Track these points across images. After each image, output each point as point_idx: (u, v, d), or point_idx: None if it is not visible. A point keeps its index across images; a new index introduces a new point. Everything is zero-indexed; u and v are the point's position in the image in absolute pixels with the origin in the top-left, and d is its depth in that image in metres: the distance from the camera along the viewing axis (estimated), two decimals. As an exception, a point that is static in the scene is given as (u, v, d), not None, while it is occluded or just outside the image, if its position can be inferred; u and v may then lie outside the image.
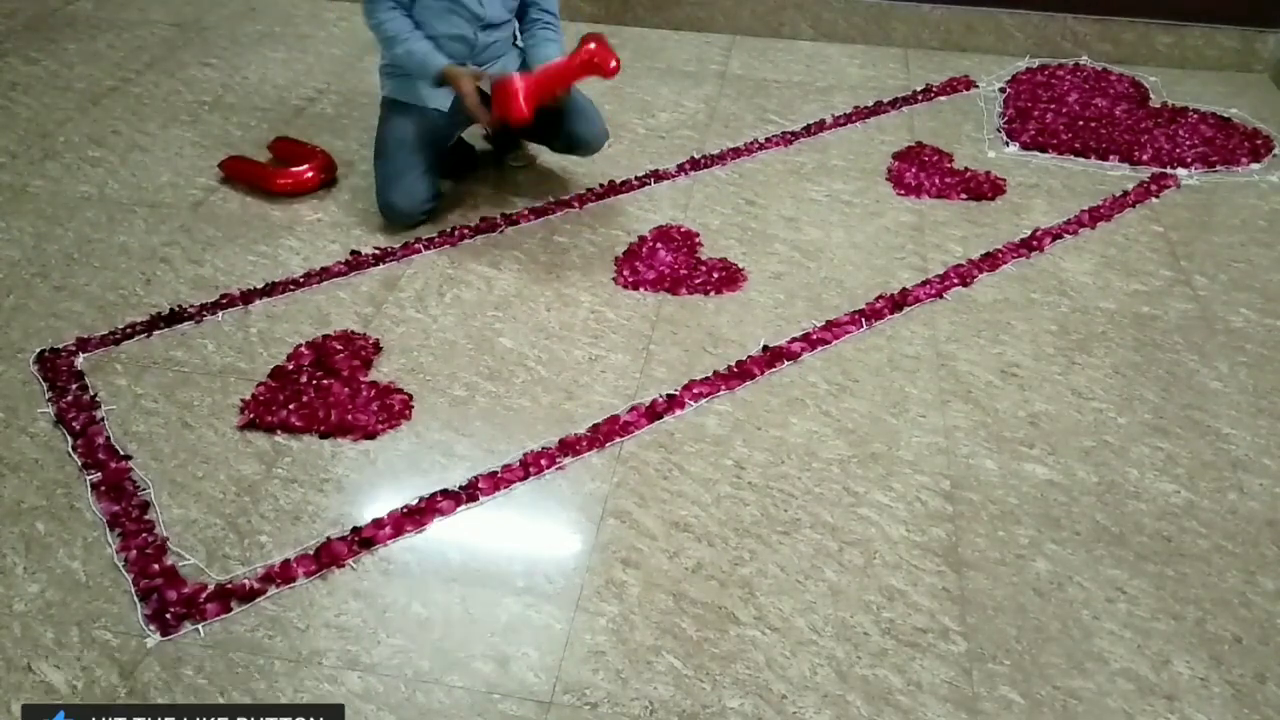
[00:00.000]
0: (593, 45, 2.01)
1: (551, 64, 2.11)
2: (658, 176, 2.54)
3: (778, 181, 2.53)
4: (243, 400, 1.80)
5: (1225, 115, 2.87)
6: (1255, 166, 2.65)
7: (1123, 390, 1.89)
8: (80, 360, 1.88)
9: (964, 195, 2.49)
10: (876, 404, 1.84)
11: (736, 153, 2.65)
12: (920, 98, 2.98)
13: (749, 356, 1.93)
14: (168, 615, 1.41)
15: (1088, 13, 3.17)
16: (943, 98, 2.99)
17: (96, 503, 1.59)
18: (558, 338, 1.98)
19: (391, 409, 1.78)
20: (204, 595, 1.44)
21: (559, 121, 2.30)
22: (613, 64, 2.01)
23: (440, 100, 2.24)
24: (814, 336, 1.99)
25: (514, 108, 2.03)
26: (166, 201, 2.39)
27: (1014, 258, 2.25)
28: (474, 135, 2.55)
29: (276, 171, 2.42)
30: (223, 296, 2.06)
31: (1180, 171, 2.61)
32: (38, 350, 1.90)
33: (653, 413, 1.79)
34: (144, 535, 1.53)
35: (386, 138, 2.27)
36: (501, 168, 2.55)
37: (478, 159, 2.55)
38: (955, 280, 2.17)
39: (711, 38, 3.35)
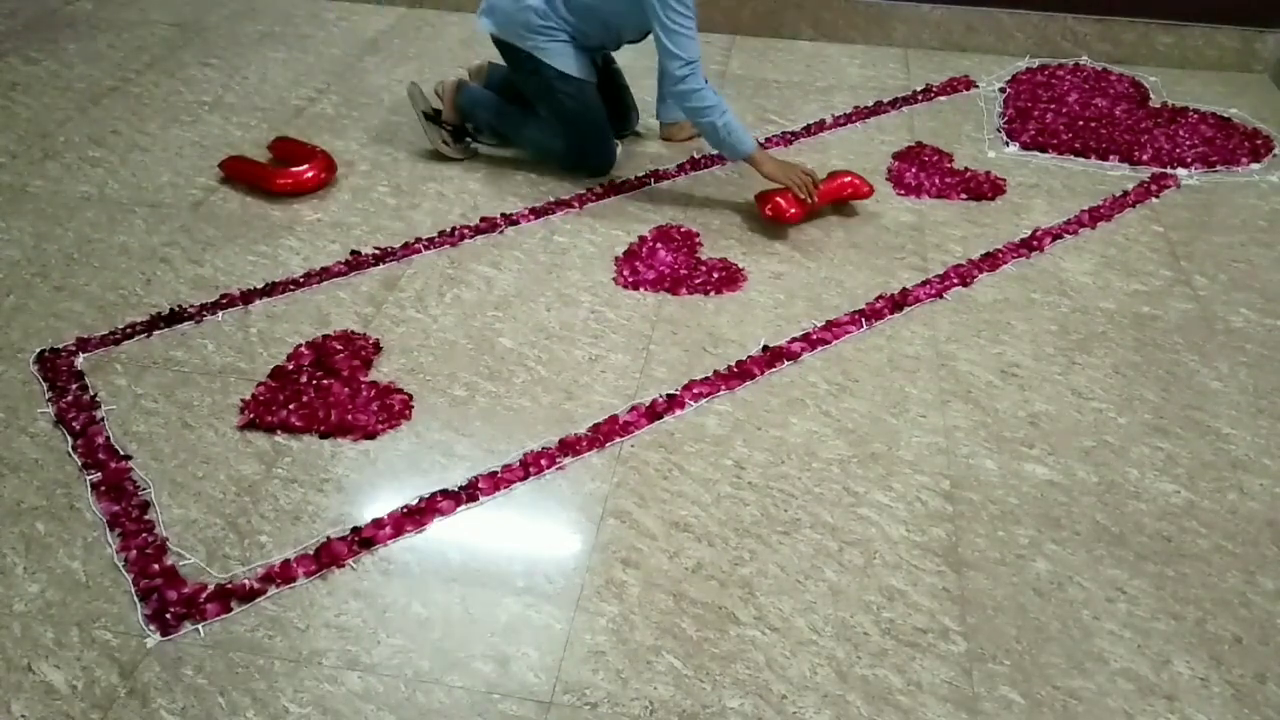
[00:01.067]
0: (849, 177, 2.39)
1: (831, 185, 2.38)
2: (658, 176, 2.54)
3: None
4: (243, 400, 1.80)
5: (1225, 115, 2.87)
6: (1255, 166, 2.65)
7: (1123, 390, 1.89)
8: (80, 360, 1.88)
9: (964, 195, 2.49)
10: (876, 404, 1.84)
11: (736, 153, 2.65)
12: (920, 98, 2.98)
13: (749, 356, 1.93)
14: (168, 615, 1.41)
15: (1088, 13, 3.17)
16: (943, 98, 2.99)
17: (96, 503, 1.59)
18: (558, 338, 1.98)
19: (391, 409, 1.78)
20: (204, 595, 1.44)
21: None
22: (866, 190, 2.40)
23: (591, 72, 2.43)
24: (814, 336, 1.99)
25: (786, 215, 2.30)
26: (166, 201, 2.39)
27: (1014, 258, 2.26)
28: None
29: (276, 171, 2.42)
30: (223, 296, 2.06)
31: (1180, 171, 2.61)
32: (38, 350, 1.90)
33: (653, 413, 1.79)
34: (144, 535, 1.53)
35: (580, 100, 2.41)
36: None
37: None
38: (955, 280, 2.17)
39: (711, 38, 3.35)
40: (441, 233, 2.28)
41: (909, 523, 1.60)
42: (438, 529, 1.57)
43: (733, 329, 2.01)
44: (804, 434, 1.77)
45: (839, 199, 2.37)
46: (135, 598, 1.44)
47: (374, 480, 1.66)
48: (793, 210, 2.28)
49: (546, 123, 2.48)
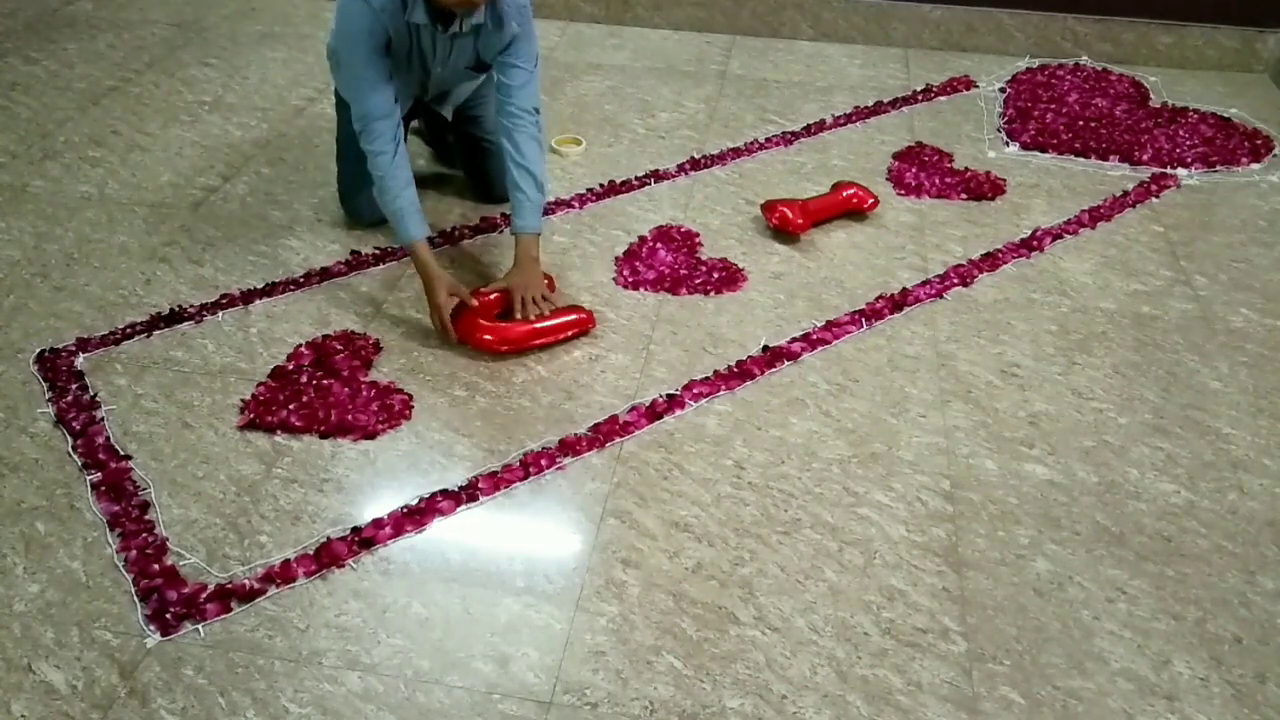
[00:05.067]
0: (852, 189, 2.38)
1: (822, 197, 2.37)
2: (658, 176, 2.54)
3: (778, 181, 2.53)
4: (243, 400, 1.80)
5: (1225, 115, 2.87)
6: (1255, 166, 2.65)
7: (1123, 390, 1.89)
8: (80, 360, 1.88)
9: (964, 195, 2.49)
10: (876, 404, 1.84)
11: (736, 153, 2.65)
12: (920, 98, 2.98)
13: (749, 356, 1.93)
14: (168, 615, 1.41)
15: (1088, 13, 3.17)
16: (943, 98, 2.99)
17: (96, 503, 1.59)
18: (558, 338, 1.98)
19: (391, 409, 1.78)
20: (204, 595, 1.44)
21: (480, 160, 2.32)
22: (870, 202, 2.38)
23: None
24: (814, 336, 1.99)
25: (793, 225, 2.28)
26: (166, 201, 2.39)
27: (1014, 258, 2.26)
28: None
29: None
30: (223, 296, 2.06)
31: (1180, 171, 2.61)
32: (38, 350, 1.90)
33: (653, 413, 1.79)
34: (144, 535, 1.53)
35: (349, 140, 2.06)
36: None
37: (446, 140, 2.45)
38: (955, 280, 2.17)
39: (711, 38, 3.35)
40: (441, 233, 2.28)
41: (909, 523, 1.60)
42: (438, 529, 1.57)
43: (733, 329, 2.01)
44: (804, 434, 1.77)
45: (843, 210, 2.37)
46: (135, 598, 1.44)
47: (374, 480, 1.66)
48: (799, 220, 2.28)
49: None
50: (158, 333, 1.96)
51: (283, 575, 1.48)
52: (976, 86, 3.06)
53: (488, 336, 1.90)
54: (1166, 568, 1.54)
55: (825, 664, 1.39)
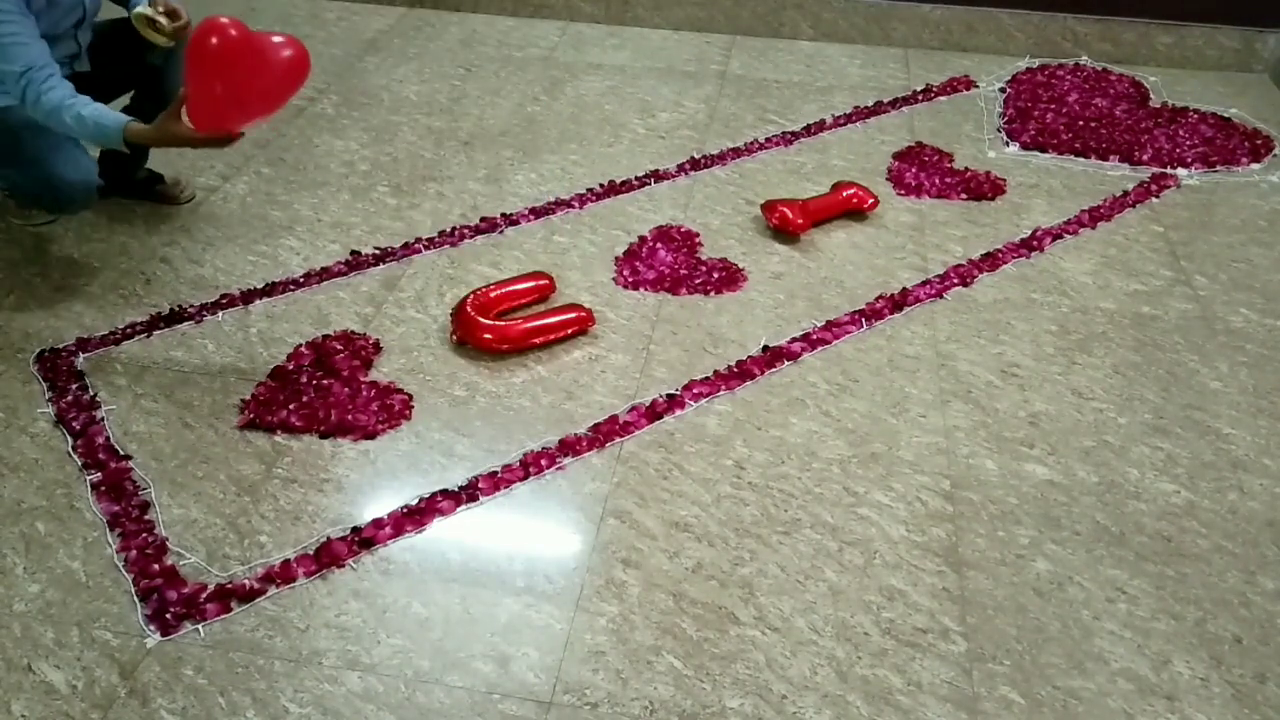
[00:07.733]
0: (852, 189, 2.39)
1: (822, 197, 2.37)
2: (658, 176, 2.54)
3: (778, 181, 2.53)
4: (243, 400, 1.80)
5: (1225, 115, 2.87)
6: (1255, 166, 2.65)
7: (1123, 390, 1.89)
8: (80, 360, 1.88)
9: (964, 195, 2.49)
10: (876, 404, 1.84)
11: (736, 153, 2.65)
12: (920, 98, 2.98)
13: (749, 356, 1.93)
14: (168, 615, 1.41)
15: (1088, 13, 3.17)
16: (943, 98, 2.99)
17: (96, 503, 1.59)
18: (558, 338, 1.98)
19: (391, 409, 1.78)
20: (204, 595, 1.44)
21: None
22: (870, 202, 2.39)
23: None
24: (814, 336, 1.99)
25: (793, 225, 2.28)
26: (166, 201, 2.38)
27: (1014, 258, 2.26)
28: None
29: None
30: (223, 296, 2.06)
31: (1180, 171, 2.61)
32: (38, 350, 1.90)
33: (653, 413, 1.79)
34: (144, 535, 1.53)
35: (20, 129, 1.91)
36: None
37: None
38: (955, 280, 2.17)
39: (711, 38, 3.35)
40: (441, 233, 2.28)
41: (909, 523, 1.60)
42: (438, 529, 1.57)
43: (733, 329, 2.01)
44: (804, 434, 1.77)
45: (843, 210, 2.37)
46: (135, 598, 1.45)
47: (374, 480, 1.66)
48: (799, 220, 2.28)
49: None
50: (158, 333, 1.96)
51: (283, 575, 1.48)
52: (976, 86, 3.06)
53: (488, 336, 1.91)
54: (1166, 568, 1.54)
55: (825, 664, 1.39)
